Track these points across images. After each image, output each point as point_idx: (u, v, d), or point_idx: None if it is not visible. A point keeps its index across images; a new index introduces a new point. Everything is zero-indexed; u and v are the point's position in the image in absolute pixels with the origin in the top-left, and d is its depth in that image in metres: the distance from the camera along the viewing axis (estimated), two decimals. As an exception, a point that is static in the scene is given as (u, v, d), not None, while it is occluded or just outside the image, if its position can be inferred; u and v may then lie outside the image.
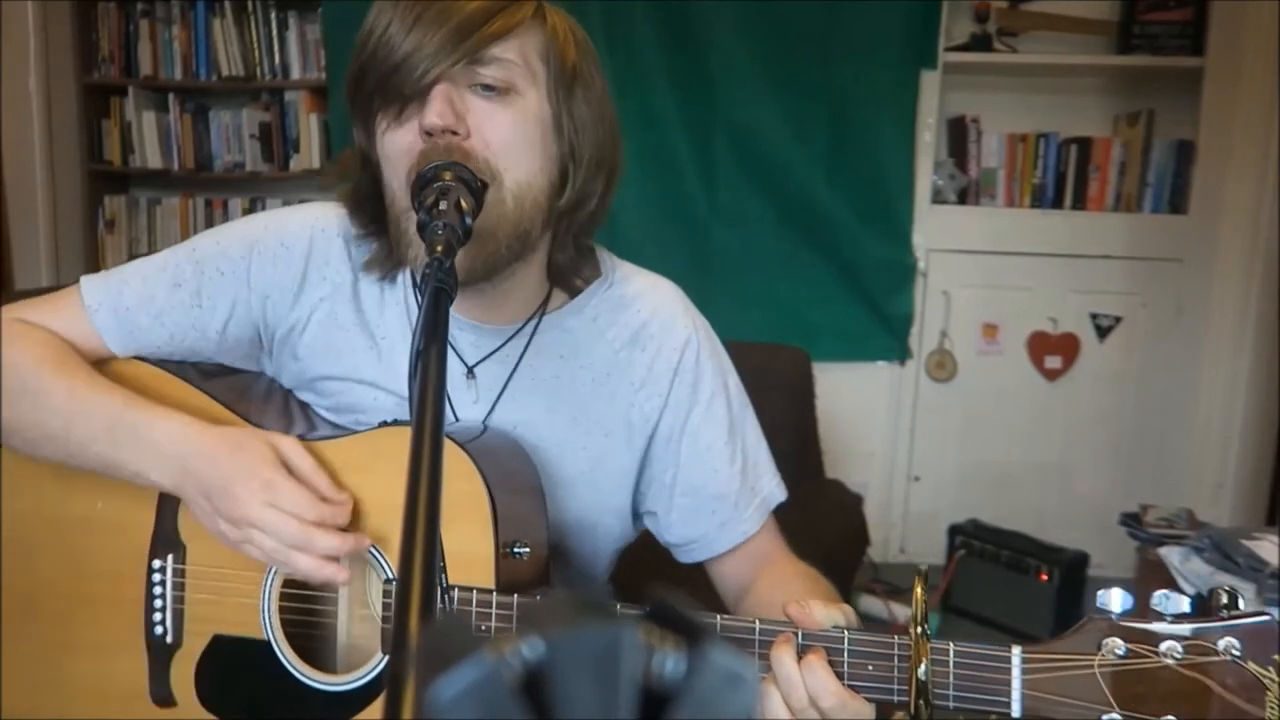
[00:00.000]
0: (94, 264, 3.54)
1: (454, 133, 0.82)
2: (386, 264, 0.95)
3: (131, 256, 3.13)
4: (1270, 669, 0.67)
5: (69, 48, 3.42)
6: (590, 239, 0.99)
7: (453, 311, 0.94)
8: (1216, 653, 0.68)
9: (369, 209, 0.93)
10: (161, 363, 0.98)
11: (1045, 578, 2.82)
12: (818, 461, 2.76)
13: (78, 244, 3.51)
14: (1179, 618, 0.70)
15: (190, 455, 0.86)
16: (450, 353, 0.97)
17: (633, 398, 1.01)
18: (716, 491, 1.03)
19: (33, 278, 3.30)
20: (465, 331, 0.98)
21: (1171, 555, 1.98)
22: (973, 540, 2.99)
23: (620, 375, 1.00)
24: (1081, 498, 3.31)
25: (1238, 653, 0.68)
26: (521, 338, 0.98)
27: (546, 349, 0.99)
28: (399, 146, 0.84)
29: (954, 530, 3.06)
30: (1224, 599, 0.70)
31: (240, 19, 3.39)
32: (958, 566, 2.99)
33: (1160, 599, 0.71)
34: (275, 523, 0.83)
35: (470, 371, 0.98)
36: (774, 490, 1.08)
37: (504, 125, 0.84)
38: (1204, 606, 0.71)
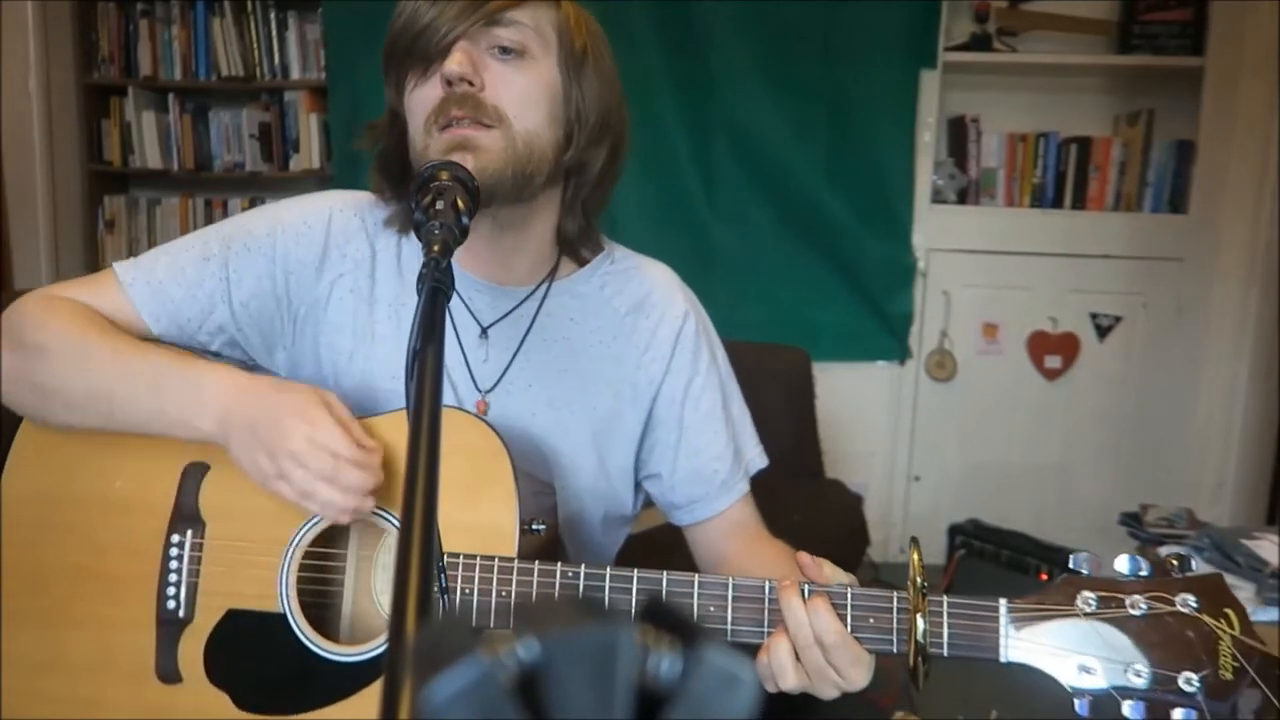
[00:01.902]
0: (94, 264, 3.54)
1: (470, 84, 0.90)
2: (407, 221, 1.02)
3: (131, 256, 3.13)
4: (1221, 621, 0.76)
5: (69, 48, 3.42)
6: (597, 215, 1.06)
7: (468, 273, 1.02)
8: (1174, 605, 0.77)
9: (395, 166, 1.01)
10: (188, 346, 1.02)
11: (1045, 577, 2.82)
12: (818, 461, 2.76)
13: (78, 244, 3.51)
14: (1140, 578, 0.79)
15: (239, 396, 0.90)
16: (465, 313, 1.03)
17: (638, 360, 1.07)
18: (716, 453, 1.10)
19: (33, 278, 3.29)
20: (482, 293, 1.04)
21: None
22: (973, 540, 2.99)
23: (626, 339, 1.07)
24: (1081, 498, 3.31)
25: (1195, 606, 0.77)
26: (534, 300, 1.05)
27: (558, 312, 1.06)
28: (423, 99, 0.92)
29: (954, 530, 3.06)
30: (1177, 564, 0.79)
31: (240, 19, 3.39)
32: (958, 566, 2.99)
33: (1125, 561, 0.80)
34: (312, 455, 0.86)
35: (484, 332, 1.03)
36: (755, 457, 1.15)
37: (516, 83, 0.92)
38: (1160, 568, 0.79)
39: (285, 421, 0.87)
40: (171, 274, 1.01)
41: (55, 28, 3.35)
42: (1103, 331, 3.28)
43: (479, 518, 0.89)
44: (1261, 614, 1.73)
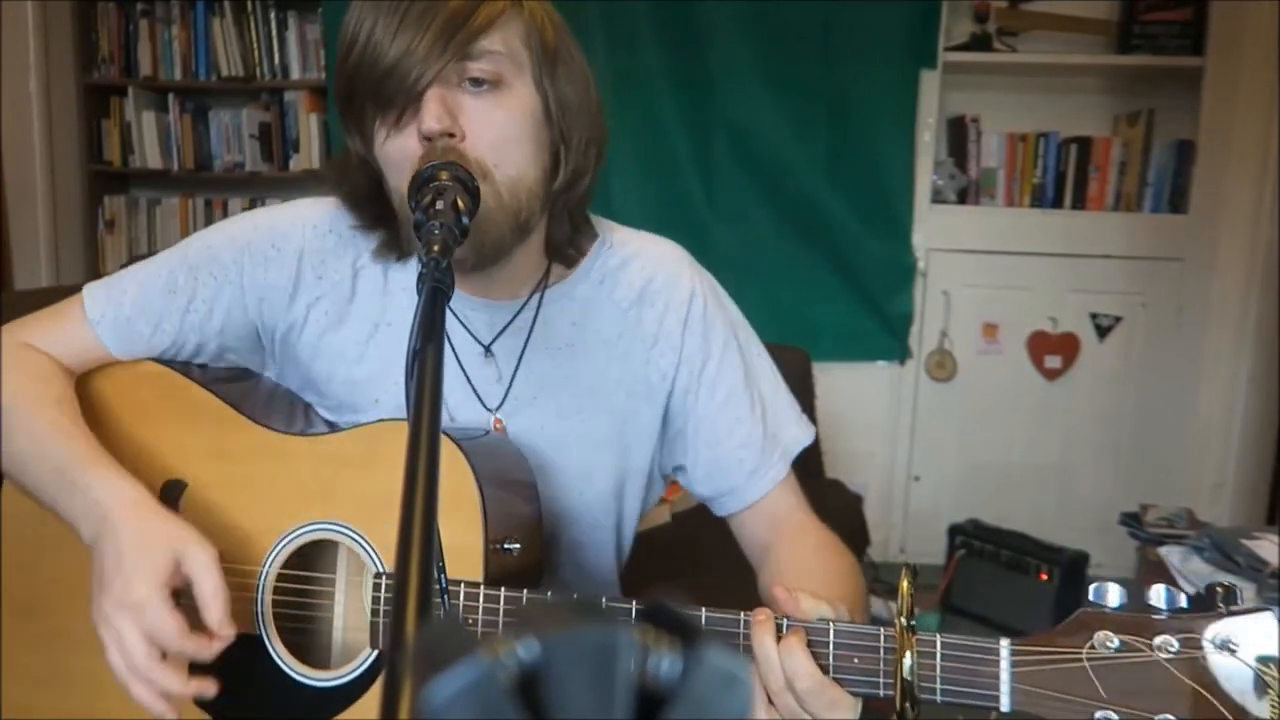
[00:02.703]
0: (94, 264, 3.54)
1: (450, 135, 0.83)
2: (399, 247, 0.97)
3: (131, 257, 3.13)
4: (1271, 666, 0.64)
5: (69, 48, 3.42)
6: (583, 212, 1.00)
7: (460, 292, 0.95)
8: (1212, 646, 0.66)
9: (370, 208, 0.94)
10: (170, 363, 1.00)
11: (1045, 578, 2.82)
12: (818, 461, 2.76)
13: (78, 244, 3.51)
14: (1175, 613, 0.68)
15: (105, 529, 0.86)
16: (464, 333, 0.99)
17: (648, 355, 1.02)
18: (741, 440, 1.03)
19: (33, 278, 3.30)
20: (477, 311, 0.99)
21: (1171, 555, 1.98)
22: (973, 540, 2.99)
23: (632, 334, 1.02)
24: (1081, 498, 3.31)
25: (1235, 647, 0.65)
26: (529, 310, 0.99)
27: (557, 318, 1.00)
28: (401, 152, 0.85)
29: (954, 530, 3.05)
30: (1222, 594, 0.67)
31: (240, 19, 3.39)
32: (958, 566, 2.99)
33: (1157, 594, 0.69)
34: (129, 640, 0.81)
35: (487, 350, 0.99)
36: (797, 436, 1.07)
37: (497, 123, 0.85)
38: (1201, 602, 0.68)
39: (115, 585, 0.82)
40: (138, 309, 0.99)
41: (55, 28, 3.35)
42: (1103, 331, 3.28)
43: (442, 538, 0.83)
44: (1261, 614, 1.73)
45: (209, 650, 0.84)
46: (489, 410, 0.99)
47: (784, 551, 1.02)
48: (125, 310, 0.99)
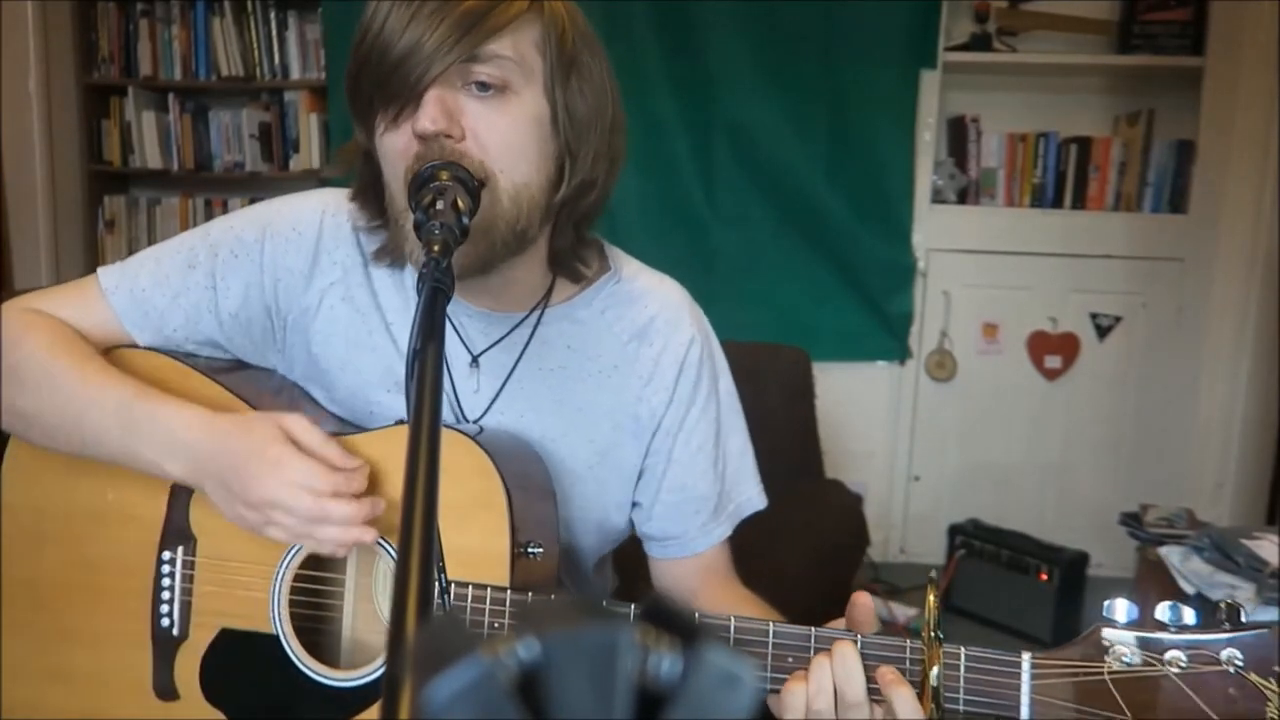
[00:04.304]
0: (94, 264, 3.52)
1: (448, 135, 0.82)
2: (394, 254, 0.96)
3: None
4: (1271, 680, 0.69)
5: (69, 48, 3.42)
6: (590, 227, 0.98)
7: (458, 298, 0.95)
8: (1219, 663, 0.70)
9: (374, 201, 0.93)
10: (173, 354, 0.99)
11: (1045, 577, 2.83)
12: (818, 461, 2.76)
13: (78, 244, 3.52)
14: (1183, 629, 0.72)
15: (203, 441, 0.86)
16: (456, 340, 0.98)
17: (640, 391, 1.01)
18: (702, 492, 1.04)
19: (33, 278, 3.29)
20: (474, 319, 0.98)
21: (1171, 555, 1.98)
22: (973, 540, 2.99)
23: (628, 368, 1.01)
24: (1081, 498, 3.31)
25: (1240, 663, 0.70)
26: (527, 326, 0.98)
27: (554, 339, 0.99)
28: (395, 148, 0.84)
29: (954, 530, 3.06)
30: (1226, 612, 0.72)
31: (240, 19, 3.39)
32: (958, 566, 2.99)
33: (1165, 610, 0.73)
34: (291, 498, 0.82)
35: (475, 360, 0.98)
36: (752, 497, 1.09)
37: (499, 127, 0.83)
38: (1208, 618, 0.72)
39: (251, 468, 0.83)
40: (155, 282, 0.98)
41: (55, 28, 3.35)
42: (1103, 331, 3.28)
43: (469, 541, 0.84)
44: (1261, 614, 1.73)
45: (358, 479, 0.85)
46: (466, 422, 0.99)
47: (710, 600, 1.03)
48: (141, 282, 0.98)
